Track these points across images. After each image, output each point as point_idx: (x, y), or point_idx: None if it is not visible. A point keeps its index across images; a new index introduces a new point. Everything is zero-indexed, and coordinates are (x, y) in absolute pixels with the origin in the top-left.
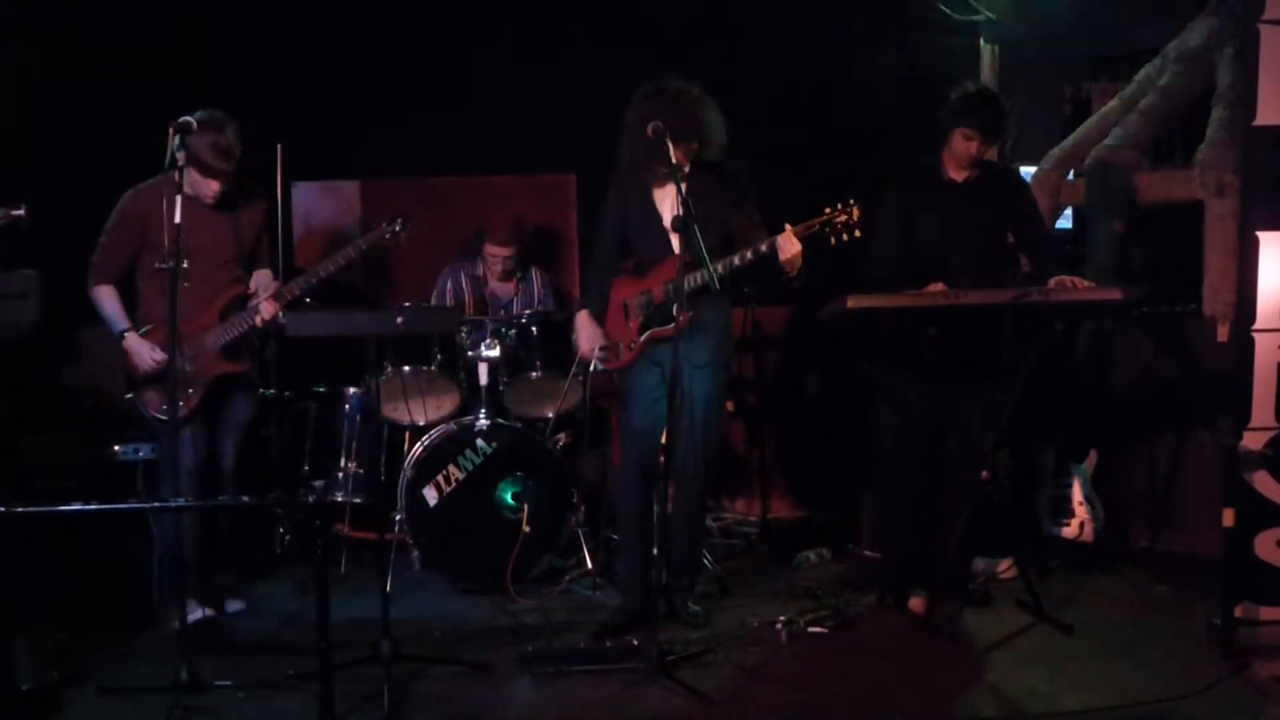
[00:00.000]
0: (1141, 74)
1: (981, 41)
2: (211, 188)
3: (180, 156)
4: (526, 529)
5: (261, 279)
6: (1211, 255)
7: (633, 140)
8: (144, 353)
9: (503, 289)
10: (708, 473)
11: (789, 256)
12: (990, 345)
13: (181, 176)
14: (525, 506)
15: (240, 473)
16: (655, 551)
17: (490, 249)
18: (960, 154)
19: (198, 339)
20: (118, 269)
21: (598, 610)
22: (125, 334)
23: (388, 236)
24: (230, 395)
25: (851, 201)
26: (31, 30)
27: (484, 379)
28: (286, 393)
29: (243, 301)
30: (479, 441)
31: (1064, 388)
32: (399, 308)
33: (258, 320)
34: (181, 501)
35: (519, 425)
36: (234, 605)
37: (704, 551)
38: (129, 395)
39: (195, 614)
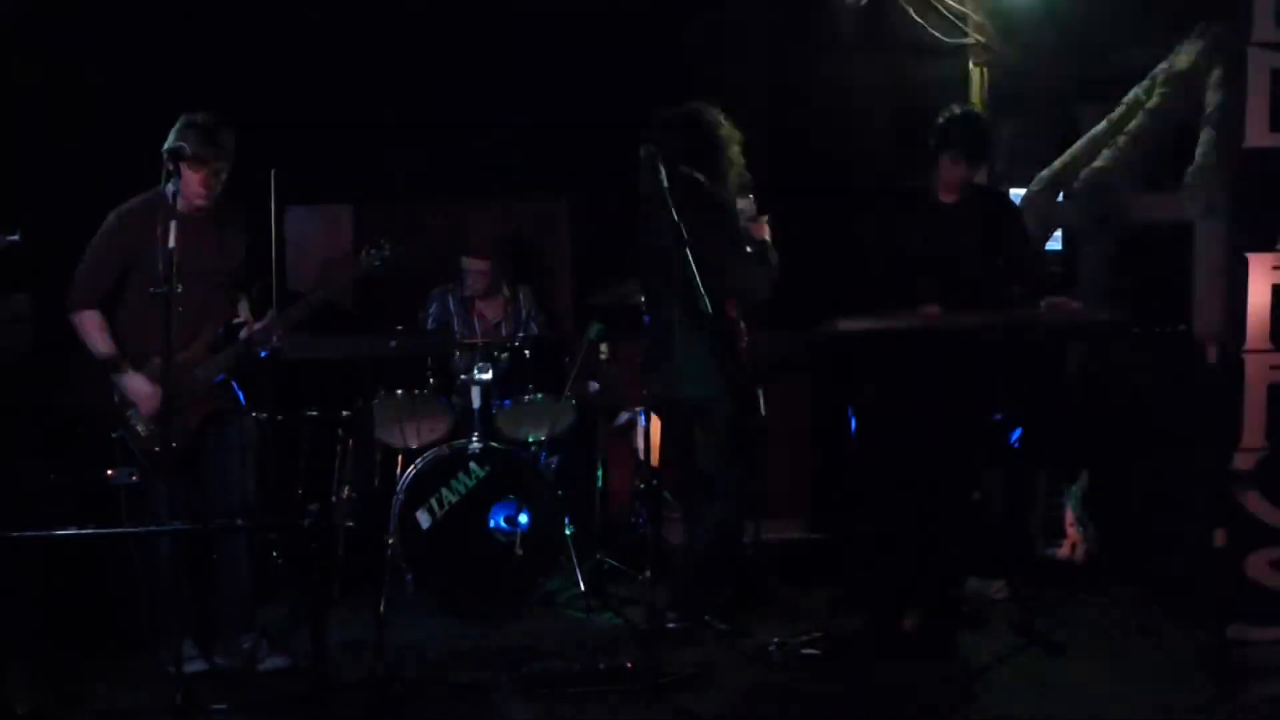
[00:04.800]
0: (1130, 96)
1: (971, 64)
2: (196, 180)
3: (174, 183)
4: (519, 552)
5: (246, 306)
6: (1201, 276)
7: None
8: (144, 393)
9: (491, 310)
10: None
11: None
12: (981, 367)
13: (176, 200)
14: (518, 529)
15: (266, 499)
16: (649, 574)
17: (467, 262)
18: (948, 177)
19: (188, 373)
20: (102, 292)
21: (591, 632)
22: (125, 371)
23: (377, 263)
24: (228, 424)
25: None
26: (25, 53)
27: (476, 402)
28: (279, 416)
29: (230, 330)
30: (472, 464)
31: (1055, 409)
32: (392, 331)
33: (262, 347)
34: (177, 525)
35: (511, 448)
36: (274, 661)
37: None
38: (115, 434)
39: (194, 665)
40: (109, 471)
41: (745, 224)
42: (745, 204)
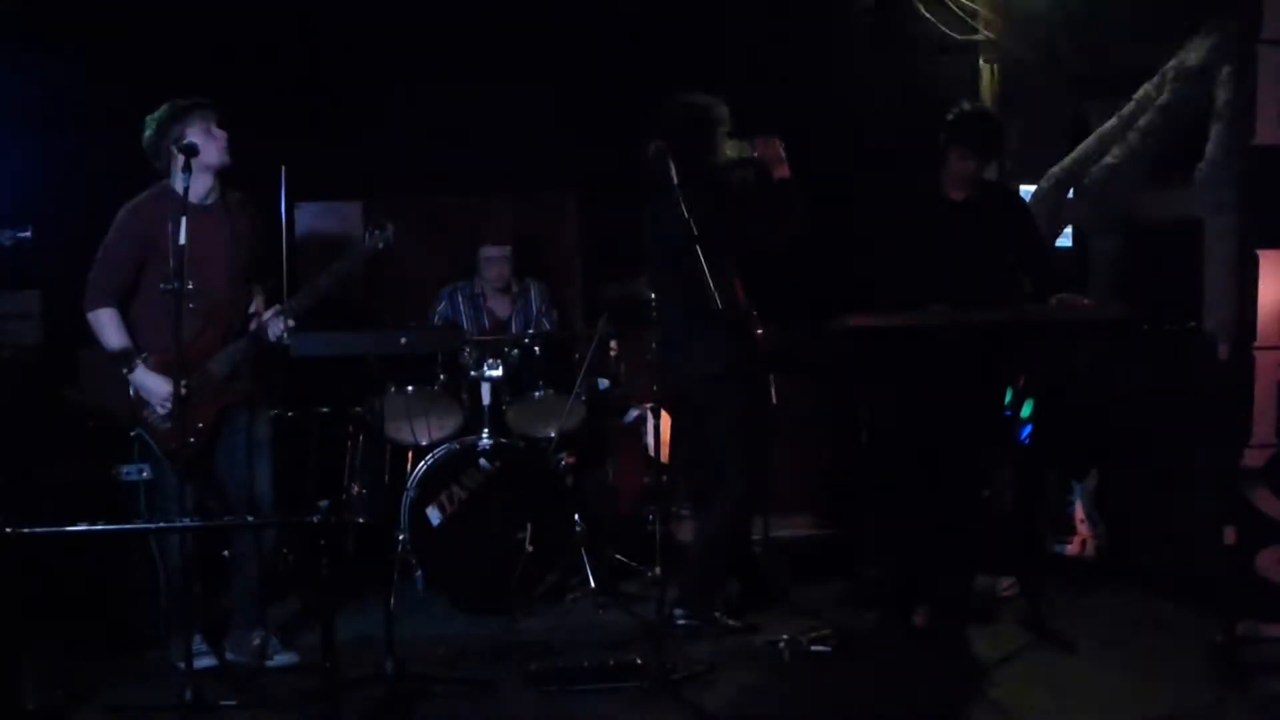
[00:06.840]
0: (1140, 93)
1: (981, 61)
2: (222, 140)
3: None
4: (529, 548)
5: (259, 300)
6: (1211, 273)
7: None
8: (159, 390)
9: (501, 306)
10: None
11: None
12: (992, 363)
13: (187, 194)
14: (528, 526)
15: (277, 495)
16: (659, 570)
17: (488, 250)
18: (958, 173)
19: (202, 367)
20: (119, 289)
21: (601, 629)
22: (138, 367)
23: (381, 245)
24: (243, 419)
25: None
26: (38, 52)
27: (487, 398)
28: (289, 413)
29: (243, 322)
30: (482, 461)
31: (1065, 405)
32: (402, 327)
33: (271, 336)
34: (187, 521)
35: (522, 444)
36: (283, 657)
37: None
38: (133, 432)
39: (204, 661)
40: (119, 468)
41: (757, 155)
42: (738, 145)
